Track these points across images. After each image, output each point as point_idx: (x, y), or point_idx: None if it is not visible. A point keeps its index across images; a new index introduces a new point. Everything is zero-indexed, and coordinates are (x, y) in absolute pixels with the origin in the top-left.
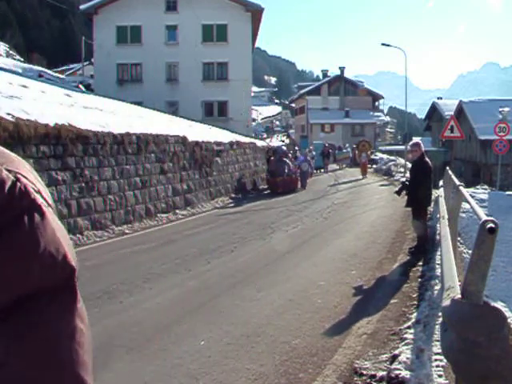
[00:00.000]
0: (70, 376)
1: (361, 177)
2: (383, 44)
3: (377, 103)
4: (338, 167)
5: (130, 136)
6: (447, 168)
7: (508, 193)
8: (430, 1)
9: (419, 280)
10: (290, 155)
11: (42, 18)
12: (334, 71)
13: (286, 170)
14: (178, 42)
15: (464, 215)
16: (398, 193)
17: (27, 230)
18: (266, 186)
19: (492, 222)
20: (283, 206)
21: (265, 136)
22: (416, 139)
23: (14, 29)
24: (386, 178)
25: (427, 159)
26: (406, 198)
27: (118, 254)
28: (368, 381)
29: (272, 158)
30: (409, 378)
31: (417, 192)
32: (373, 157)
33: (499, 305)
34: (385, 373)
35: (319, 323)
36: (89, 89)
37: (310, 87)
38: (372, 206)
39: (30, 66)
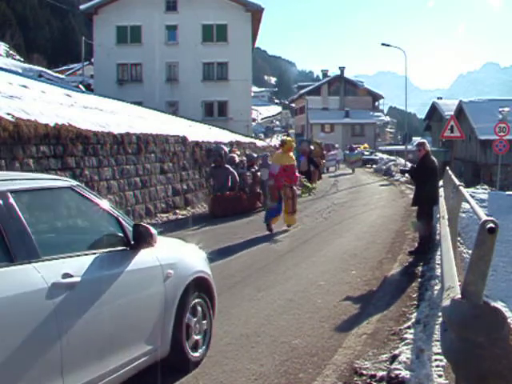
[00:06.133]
0: None
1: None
2: (383, 44)
3: (377, 103)
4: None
5: (130, 136)
6: (447, 168)
7: (508, 193)
8: (430, 1)
9: (419, 280)
10: (237, 159)
11: (42, 17)
12: (334, 71)
13: (230, 182)
14: (177, 42)
15: (464, 215)
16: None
17: None
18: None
19: (492, 222)
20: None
21: (262, 137)
22: (416, 139)
23: (14, 29)
24: (385, 177)
25: (433, 158)
26: (404, 198)
27: None
28: (368, 381)
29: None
30: (409, 377)
31: (422, 191)
32: (372, 157)
33: (499, 305)
34: (385, 373)
35: (319, 323)
36: (89, 89)
37: (310, 87)
38: (372, 206)
39: (30, 66)
